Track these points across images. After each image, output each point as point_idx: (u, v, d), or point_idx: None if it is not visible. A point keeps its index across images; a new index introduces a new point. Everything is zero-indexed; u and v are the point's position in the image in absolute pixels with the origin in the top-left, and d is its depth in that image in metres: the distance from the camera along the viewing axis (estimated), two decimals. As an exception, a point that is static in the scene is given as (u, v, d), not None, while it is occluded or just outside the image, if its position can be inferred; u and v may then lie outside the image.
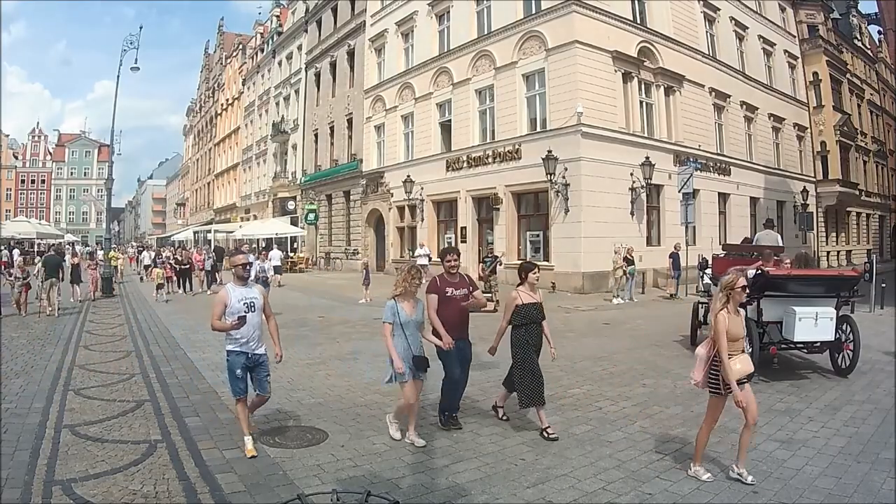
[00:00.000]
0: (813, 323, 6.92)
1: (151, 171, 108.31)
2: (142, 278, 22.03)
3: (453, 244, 23.14)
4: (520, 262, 5.84)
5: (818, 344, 7.20)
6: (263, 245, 30.22)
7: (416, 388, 4.99)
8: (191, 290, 19.03)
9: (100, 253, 24.04)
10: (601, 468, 4.48)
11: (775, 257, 8.55)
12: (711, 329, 4.26)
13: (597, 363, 8.18)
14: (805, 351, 7.59)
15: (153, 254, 25.72)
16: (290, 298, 10.85)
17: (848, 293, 7.60)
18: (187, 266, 19.16)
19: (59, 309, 13.46)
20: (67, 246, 37.02)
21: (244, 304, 4.76)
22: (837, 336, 7.28)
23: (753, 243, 11.61)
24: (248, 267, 5.01)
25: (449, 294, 5.31)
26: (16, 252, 28.13)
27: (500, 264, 16.05)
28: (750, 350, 6.87)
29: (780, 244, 10.94)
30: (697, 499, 3.99)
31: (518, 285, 5.58)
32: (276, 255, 22.97)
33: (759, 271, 7.23)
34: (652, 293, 17.98)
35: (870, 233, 37.48)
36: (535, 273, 5.54)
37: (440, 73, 23.61)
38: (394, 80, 26.31)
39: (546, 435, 5.11)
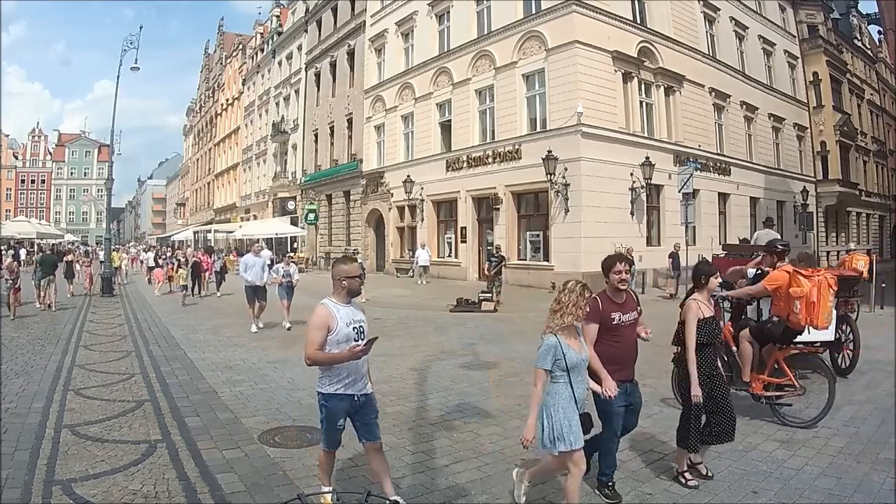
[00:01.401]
0: None
1: (151, 171, 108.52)
2: (149, 280, 20.89)
3: (453, 244, 23.17)
4: (697, 262, 4.48)
5: (818, 344, 7.20)
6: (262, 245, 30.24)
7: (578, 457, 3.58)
8: (198, 292, 18.11)
9: (101, 253, 23.99)
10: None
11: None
12: None
13: (597, 363, 8.15)
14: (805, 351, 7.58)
15: (154, 254, 25.63)
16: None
17: (848, 293, 7.59)
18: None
19: (56, 304, 14.12)
20: (69, 245, 37.21)
21: (353, 328, 3.54)
22: (837, 336, 7.27)
23: (752, 243, 11.62)
24: (362, 280, 3.76)
25: (616, 321, 3.96)
26: (22, 252, 28.42)
27: (505, 266, 16.07)
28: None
29: (780, 244, 10.92)
30: (697, 499, 3.99)
31: (691, 291, 4.38)
32: (266, 255, 22.64)
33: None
34: (652, 293, 17.96)
35: (870, 233, 37.47)
36: (717, 278, 4.30)
37: (440, 73, 23.62)
38: (394, 80, 26.32)
39: (684, 480, 4.15)
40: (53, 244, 39.52)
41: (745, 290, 6.25)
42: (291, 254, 27.63)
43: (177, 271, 17.50)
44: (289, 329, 10.90)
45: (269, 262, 12.67)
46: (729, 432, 4.16)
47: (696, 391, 4.04)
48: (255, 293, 11.16)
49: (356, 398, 3.57)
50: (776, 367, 5.53)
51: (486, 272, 15.16)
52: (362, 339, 3.53)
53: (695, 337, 4.09)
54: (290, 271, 11.58)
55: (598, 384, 3.70)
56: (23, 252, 28.89)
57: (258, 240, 16.64)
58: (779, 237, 11.56)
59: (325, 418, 3.59)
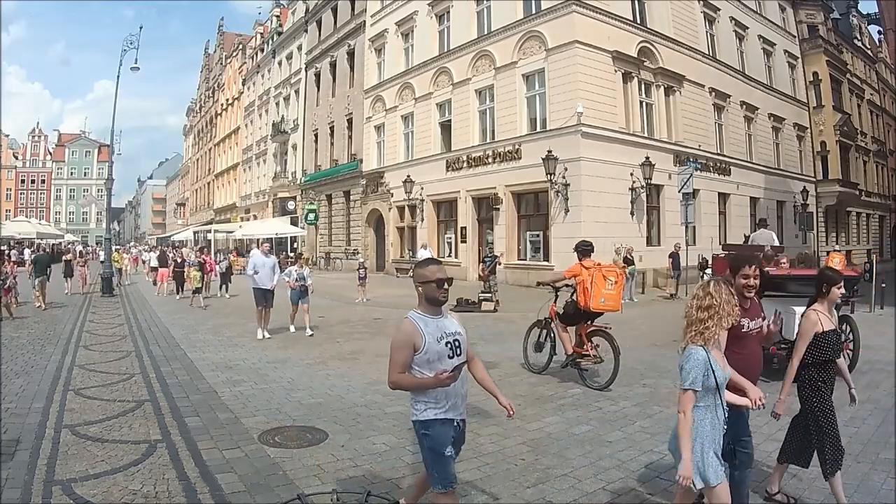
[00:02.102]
0: None
1: (151, 171, 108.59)
2: (154, 282, 19.79)
3: (453, 244, 23.15)
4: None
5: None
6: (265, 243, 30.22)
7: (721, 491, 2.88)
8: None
9: (101, 253, 23.98)
10: (601, 468, 4.47)
11: (776, 256, 8.58)
12: None
13: (597, 363, 8.16)
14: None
15: (158, 254, 25.50)
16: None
17: (848, 293, 7.60)
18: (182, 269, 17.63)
19: (45, 303, 14.36)
20: (68, 245, 37.26)
21: (446, 343, 3.02)
22: (837, 336, 7.26)
23: (749, 243, 11.64)
24: (448, 285, 3.12)
25: (745, 329, 3.49)
26: (27, 252, 28.55)
27: (500, 264, 16.07)
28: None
29: (776, 243, 10.96)
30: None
31: (812, 302, 3.83)
32: (256, 255, 22.25)
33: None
34: (652, 293, 17.97)
35: (870, 233, 37.49)
36: (840, 287, 3.81)
37: (440, 73, 23.62)
38: (394, 80, 26.32)
39: None
40: (53, 244, 39.59)
41: (548, 277, 8.14)
42: (292, 255, 27.54)
43: (189, 273, 16.72)
44: (311, 335, 10.47)
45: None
46: (841, 458, 3.75)
47: (781, 408, 3.60)
48: (265, 295, 10.54)
49: (456, 423, 3.05)
50: (580, 339, 7.09)
51: (480, 274, 15.18)
52: (459, 356, 3.02)
53: (804, 350, 3.67)
54: (304, 274, 10.93)
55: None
56: (27, 252, 28.99)
57: (265, 240, 16.09)
58: (774, 236, 11.65)
59: (430, 449, 2.99)
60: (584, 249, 7.39)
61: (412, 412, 3.06)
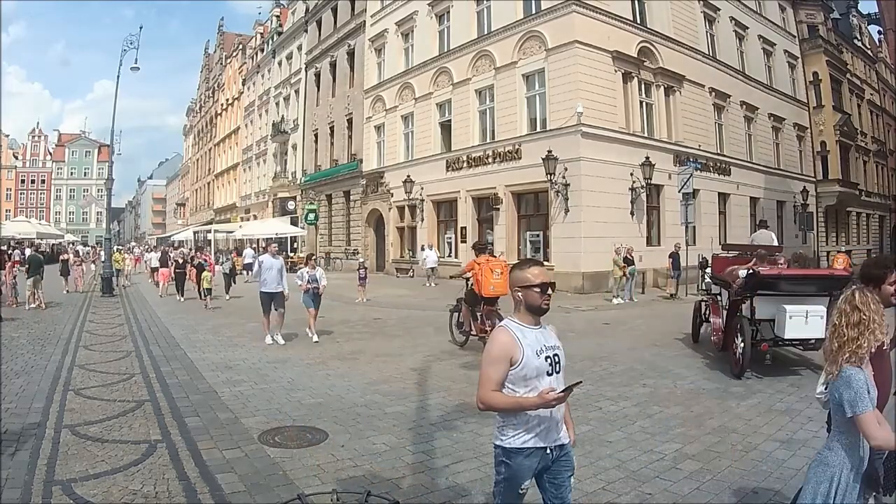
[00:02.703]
0: (803, 320, 7.02)
1: (151, 171, 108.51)
2: (157, 283, 19.28)
3: (453, 244, 23.15)
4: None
5: (812, 341, 7.26)
6: (264, 243, 30.22)
7: None
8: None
9: (102, 253, 24.01)
10: (601, 468, 4.47)
11: (771, 256, 8.63)
12: None
13: (597, 363, 8.18)
14: (801, 348, 7.68)
15: (160, 254, 25.47)
16: (289, 298, 10.84)
17: (840, 292, 7.62)
18: (183, 270, 17.55)
19: (43, 301, 14.44)
20: (68, 245, 37.26)
21: (546, 358, 2.59)
22: (830, 334, 7.30)
23: (749, 244, 11.68)
24: (553, 290, 2.78)
25: (885, 346, 3.02)
26: (28, 252, 28.63)
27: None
28: (742, 345, 7.03)
29: (775, 243, 11.00)
30: (697, 499, 3.98)
31: None
32: (249, 255, 22.40)
33: (751, 271, 7.34)
34: (652, 293, 17.97)
35: (870, 233, 37.49)
36: None
37: (440, 73, 23.62)
38: (394, 80, 26.33)
39: None
40: (53, 244, 39.60)
41: (457, 272, 10.44)
42: (292, 255, 27.61)
43: (203, 273, 16.00)
44: (316, 342, 9.81)
45: (251, 261, 11.71)
46: None
47: None
48: (272, 300, 9.88)
49: (548, 451, 2.61)
50: (481, 318, 8.88)
51: None
52: (558, 373, 2.61)
53: None
54: (315, 275, 10.08)
55: None
56: (27, 252, 29.03)
57: (272, 240, 15.76)
58: (774, 237, 11.72)
59: (505, 479, 2.62)
60: (479, 248, 9.50)
61: (497, 435, 2.64)
